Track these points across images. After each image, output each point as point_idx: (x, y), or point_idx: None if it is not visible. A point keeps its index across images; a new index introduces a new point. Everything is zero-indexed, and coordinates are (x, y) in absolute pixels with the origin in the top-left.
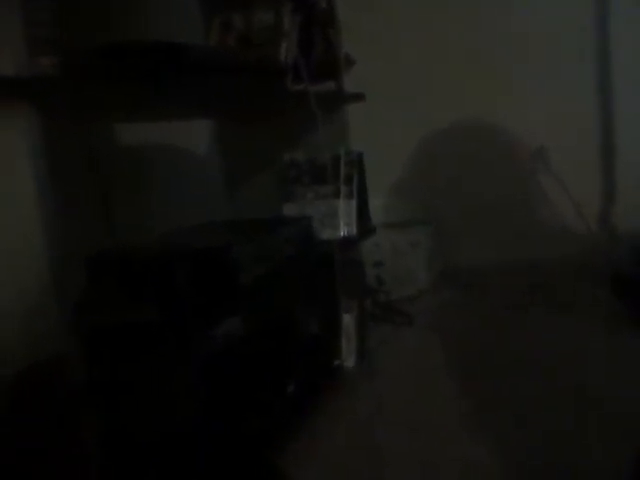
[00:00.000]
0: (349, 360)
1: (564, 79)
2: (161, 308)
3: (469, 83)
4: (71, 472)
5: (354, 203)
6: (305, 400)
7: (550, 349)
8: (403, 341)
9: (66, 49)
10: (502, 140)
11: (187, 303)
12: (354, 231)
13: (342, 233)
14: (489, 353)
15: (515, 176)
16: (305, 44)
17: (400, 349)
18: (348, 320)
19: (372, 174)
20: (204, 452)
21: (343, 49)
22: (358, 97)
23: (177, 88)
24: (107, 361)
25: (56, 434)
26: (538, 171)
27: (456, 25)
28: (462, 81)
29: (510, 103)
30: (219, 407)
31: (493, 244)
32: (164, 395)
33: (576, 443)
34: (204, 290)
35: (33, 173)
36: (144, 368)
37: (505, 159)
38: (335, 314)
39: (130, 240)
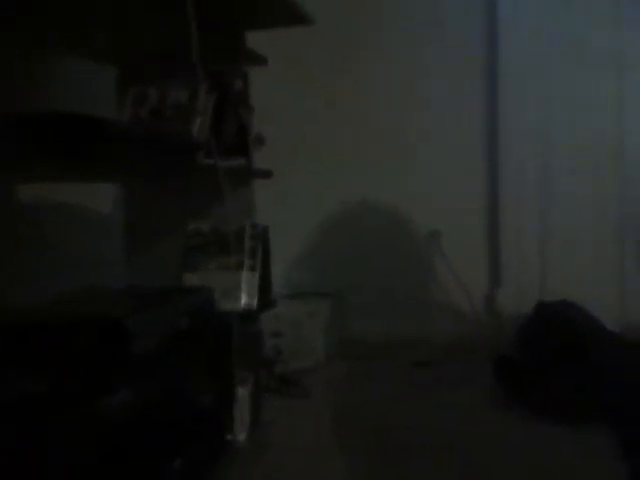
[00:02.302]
0: (241, 434)
1: (456, 162)
2: (46, 377)
3: (372, 163)
4: None
5: (257, 276)
6: (192, 475)
7: (432, 425)
8: (297, 414)
9: None
10: (401, 221)
11: (75, 373)
12: (255, 304)
13: (243, 305)
14: (380, 427)
15: (412, 256)
16: (218, 122)
17: (294, 422)
18: (243, 393)
19: (274, 243)
20: None
21: (254, 129)
22: (266, 174)
23: (86, 154)
24: None
25: None
26: (432, 253)
27: (362, 108)
28: (367, 160)
29: (411, 182)
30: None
31: (390, 319)
32: (46, 467)
33: None
34: (94, 360)
35: None
36: (26, 439)
37: (404, 239)
38: (230, 387)
39: (18, 303)
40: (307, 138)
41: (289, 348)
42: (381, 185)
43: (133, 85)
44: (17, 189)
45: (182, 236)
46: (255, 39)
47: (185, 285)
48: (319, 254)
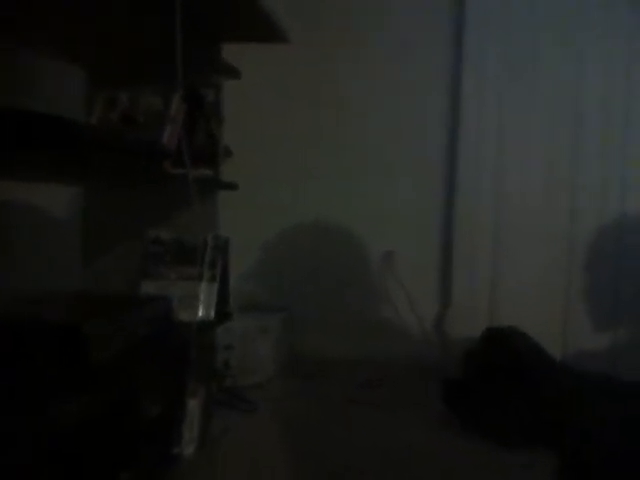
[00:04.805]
0: (189, 447)
1: (412, 183)
2: None
3: (330, 183)
4: None
5: (216, 287)
6: None
7: (378, 445)
8: (244, 430)
9: None
10: (356, 240)
11: (27, 378)
12: (212, 315)
13: (200, 316)
14: (326, 446)
15: (364, 274)
16: (188, 131)
17: (241, 438)
18: (193, 405)
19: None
20: None
21: (223, 141)
22: (232, 186)
23: (49, 155)
24: None
25: None
26: (385, 273)
27: (325, 128)
28: (325, 180)
29: (367, 202)
30: None
31: (341, 337)
32: None
33: None
34: (47, 366)
35: None
36: None
37: (357, 258)
38: (181, 399)
39: None
40: (269, 155)
41: (239, 362)
42: (337, 204)
43: (104, 88)
44: None
45: (142, 243)
46: (230, 52)
47: (143, 293)
48: (273, 269)
